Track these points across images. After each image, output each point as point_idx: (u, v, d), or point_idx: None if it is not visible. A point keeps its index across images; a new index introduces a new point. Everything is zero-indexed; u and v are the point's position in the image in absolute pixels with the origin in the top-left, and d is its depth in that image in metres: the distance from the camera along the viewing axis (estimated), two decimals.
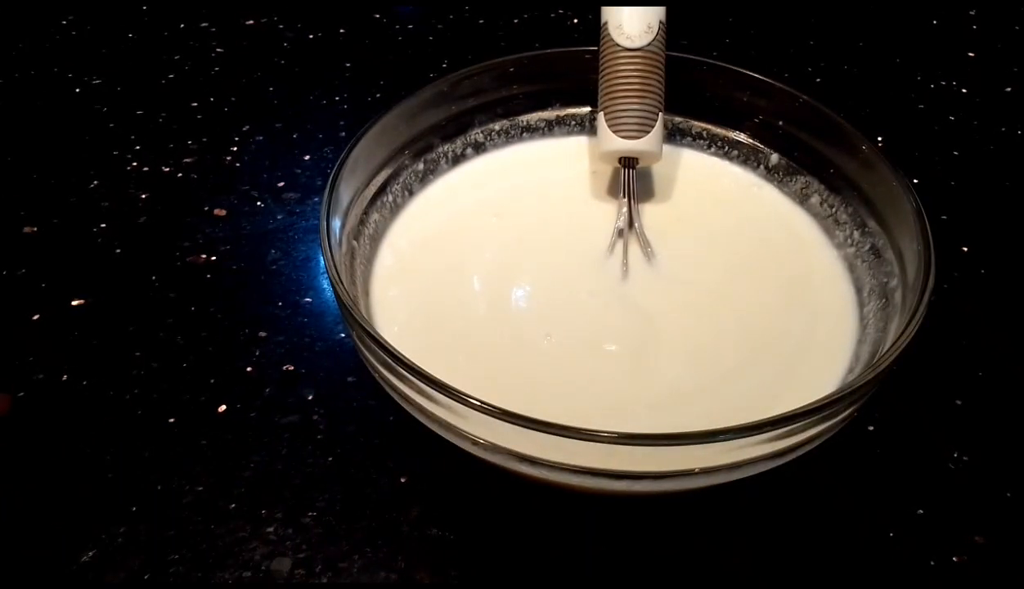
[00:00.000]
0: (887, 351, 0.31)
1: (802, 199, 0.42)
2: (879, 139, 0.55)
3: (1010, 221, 0.50)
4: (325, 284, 0.45)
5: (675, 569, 0.34)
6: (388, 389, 0.31)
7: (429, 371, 0.29)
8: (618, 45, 0.41)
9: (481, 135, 0.45)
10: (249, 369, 0.41)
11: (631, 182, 0.41)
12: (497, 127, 0.45)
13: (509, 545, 0.34)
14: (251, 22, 0.66)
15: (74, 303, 0.44)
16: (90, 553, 0.34)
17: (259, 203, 0.50)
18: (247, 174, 0.52)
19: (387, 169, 0.41)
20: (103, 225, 0.48)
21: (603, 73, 0.41)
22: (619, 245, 0.40)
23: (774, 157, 0.43)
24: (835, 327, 0.36)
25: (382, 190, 0.41)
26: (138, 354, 0.41)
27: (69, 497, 0.36)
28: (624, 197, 0.40)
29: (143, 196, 0.50)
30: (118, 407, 0.39)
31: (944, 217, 0.49)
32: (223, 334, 0.42)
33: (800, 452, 0.30)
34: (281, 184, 0.51)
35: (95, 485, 0.36)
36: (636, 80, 0.40)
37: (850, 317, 0.37)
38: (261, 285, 0.45)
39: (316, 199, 0.50)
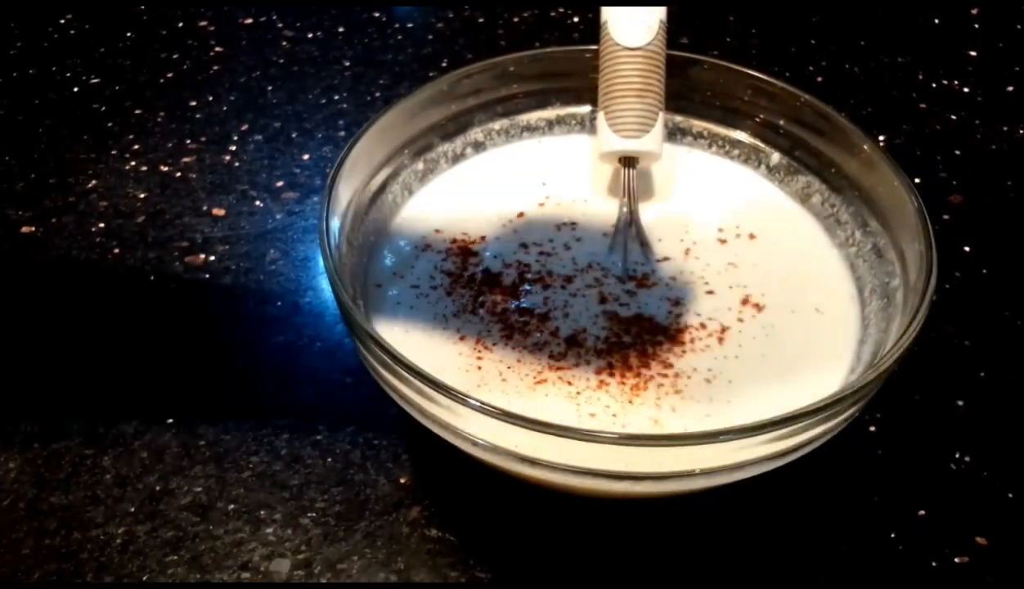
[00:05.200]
0: (889, 351, 0.31)
1: (803, 199, 0.42)
2: (881, 139, 0.55)
3: (1012, 221, 0.50)
4: (324, 284, 0.45)
5: (675, 569, 0.34)
6: (388, 389, 0.31)
7: (429, 371, 0.29)
8: (618, 44, 0.41)
9: (481, 134, 0.44)
10: (248, 369, 0.41)
11: (631, 182, 0.40)
12: (497, 126, 0.45)
13: (509, 545, 0.34)
14: (249, 21, 0.65)
15: (72, 303, 0.44)
16: (88, 554, 0.34)
17: (258, 203, 0.50)
18: (246, 174, 0.52)
19: (386, 169, 0.41)
20: (102, 225, 0.48)
21: (603, 72, 0.41)
22: (619, 244, 0.39)
23: (775, 156, 0.43)
24: (837, 327, 0.36)
25: (381, 190, 0.40)
26: (137, 354, 0.41)
27: (69, 497, 0.36)
28: (624, 197, 0.40)
29: (142, 196, 0.50)
30: (116, 408, 0.39)
31: (946, 217, 0.49)
32: (222, 334, 0.42)
33: (802, 452, 0.30)
34: (280, 184, 0.51)
35: (95, 485, 0.36)
36: (636, 79, 0.40)
37: (852, 317, 0.37)
38: (260, 285, 0.45)
39: (315, 199, 0.50)
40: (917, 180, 0.51)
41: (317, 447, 0.37)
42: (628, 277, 0.38)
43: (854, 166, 0.40)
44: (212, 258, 0.46)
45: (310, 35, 0.64)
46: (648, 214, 0.41)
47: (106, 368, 0.41)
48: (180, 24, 0.65)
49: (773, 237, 0.41)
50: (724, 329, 0.36)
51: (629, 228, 0.40)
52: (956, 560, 0.34)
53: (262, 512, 0.35)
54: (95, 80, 0.59)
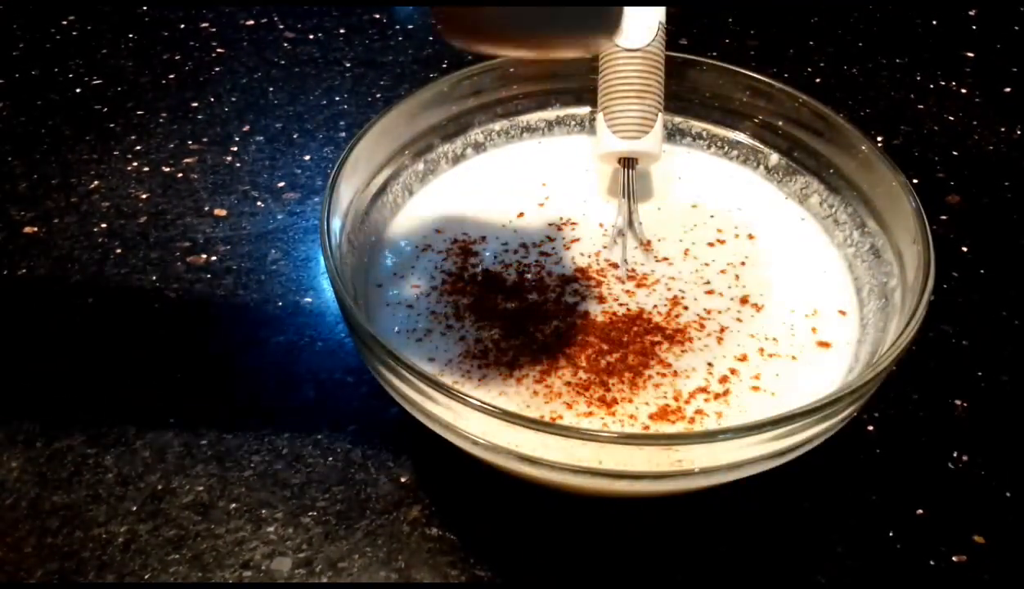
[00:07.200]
0: (886, 351, 0.31)
1: (802, 199, 0.42)
2: (878, 139, 0.55)
3: (1009, 221, 0.50)
4: (325, 284, 0.45)
5: (675, 568, 0.34)
6: (389, 389, 0.32)
7: (429, 371, 0.29)
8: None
9: (481, 135, 0.45)
10: (249, 368, 0.41)
11: (631, 182, 0.41)
12: (497, 127, 0.45)
13: (509, 545, 0.34)
14: (251, 22, 0.66)
15: (74, 303, 0.44)
16: (90, 553, 0.34)
17: (259, 203, 0.50)
18: (247, 174, 0.52)
19: (387, 169, 0.41)
20: (104, 225, 0.48)
21: (603, 73, 0.41)
22: (619, 245, 0.40)
23: (774, 157, 0.43)
24: (835, 327, 0.37)
25: (382, 190, 0.41)
26: (138, 354, 0.41)
27: (71, 496, 0.36)
28: (624, 197, 0.40)
29: (144, 196, 0.50)
30: (118, 407, 0.39)
31: (943, 217, 0.50)
32: (223, 334, 0.43)
33: (800, 452, 0.30)
34: (281, 184, 0.51)
35: (97, 484, 0.36)
36: (635, 80, 0.40)
37: (850, 317, 0.37)
38: (261, 285, 0.45)
39: (316, 199, 0.50)
40: (915, 180, 0.52)
41: (318, 446, 0.38)
42: (628, 277, 0.38)
43: (852, 167, 0.40)
44: (214, 258, 0.46)
45: (311, 36, 0.64)
46: (648, 214, 0.41)
47: (108, 367, 0.41)
48: (182, 25, 0.65)
49: (772, 237, 0.41)
50: (723, 329, 0.36)
51: (629, 228, 0.40)
52: (954, 559, 0.34)
53: (263, 511, 0.35)
54: (97, 81, 0.59)
